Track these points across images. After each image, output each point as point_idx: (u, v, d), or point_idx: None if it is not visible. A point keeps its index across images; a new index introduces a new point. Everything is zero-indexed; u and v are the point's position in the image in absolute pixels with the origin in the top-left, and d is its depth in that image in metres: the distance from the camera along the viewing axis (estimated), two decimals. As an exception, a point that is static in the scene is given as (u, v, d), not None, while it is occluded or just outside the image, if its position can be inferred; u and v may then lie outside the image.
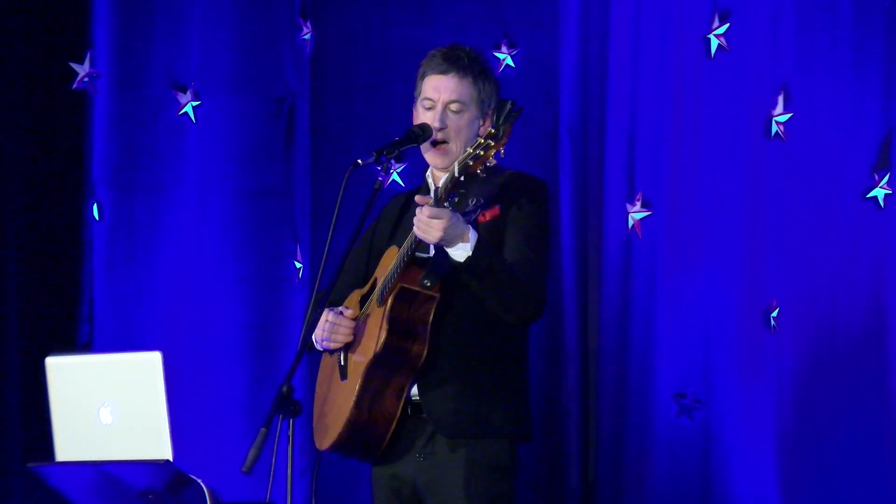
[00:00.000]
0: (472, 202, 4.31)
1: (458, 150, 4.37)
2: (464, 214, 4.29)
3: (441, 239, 4.14)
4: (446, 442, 4.29)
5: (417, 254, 4.26)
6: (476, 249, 4.16)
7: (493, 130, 4.10)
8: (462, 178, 4.10)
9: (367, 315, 4.33)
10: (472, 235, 4.17)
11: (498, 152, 4.08)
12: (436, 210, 4.13)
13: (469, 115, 4.41)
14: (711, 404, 6.01)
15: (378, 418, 4.24)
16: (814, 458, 5.73)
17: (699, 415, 6.05)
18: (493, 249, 4.24)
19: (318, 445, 4.43)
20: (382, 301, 4.23)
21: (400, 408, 4.24)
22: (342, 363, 4.38)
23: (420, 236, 4.16)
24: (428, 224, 4.13)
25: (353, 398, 4.22)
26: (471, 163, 4.10)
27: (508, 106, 4.12)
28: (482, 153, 4.09)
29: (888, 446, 5.60)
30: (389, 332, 4.19)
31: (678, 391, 6.09)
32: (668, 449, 6.09)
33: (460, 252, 4.17)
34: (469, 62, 4.44)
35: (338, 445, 4.30)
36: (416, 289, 4.21)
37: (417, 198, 4.21)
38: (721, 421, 5.97)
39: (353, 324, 4.35)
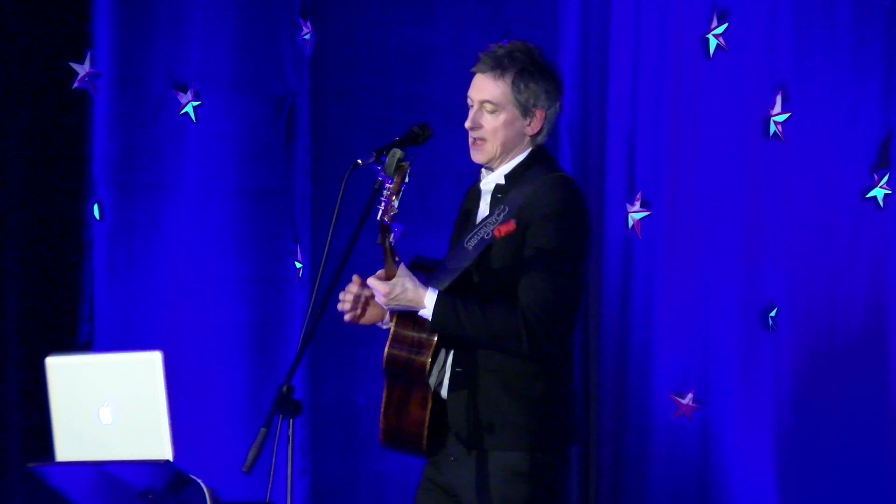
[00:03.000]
0: (497, 212, 4.28)
1: (496, 149, 4.33)
2: (484, 225, 4.26)
3: (387, 305, 4.19)
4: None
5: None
6: (434, 318, 4.16)
7: (388, 184, 4.11)
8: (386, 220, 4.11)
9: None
10: (430, 300, 4.15)
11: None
12: (374, 281, 4.16)
13: (506, 116, 4.32)
14: (710, 404, 6.02)
15: (407, 425, 4.26)
16: (812, 458, 5.74)
17: (698, 415, 6.05)
18: (461, 309, 4.16)
19: None
20: (391, 318, 4.28)
21: (427, 414, 4.23)
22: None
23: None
24: (375, 291, 4.17)
25: (382, 409, 4.26)
26: (382, 208, 4.09)
27: (399, 154, 4.14)
28: (386, 203, 4.09)
29: (887, 446, 5.60)
30: (390, 350, 4.22)
31: (677, 391, 6.09)
32: (666, 449, 6.10)
33: (426, 315, 4.19)
34: (511, 61, 4.33)
35: (385, 445, 4.35)
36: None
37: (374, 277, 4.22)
38: (719, 421, 5.98)
39: (353, 292, 4.34)
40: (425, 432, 4.24)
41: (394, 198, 4.11)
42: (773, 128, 5.91)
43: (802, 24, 5.83)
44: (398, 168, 4.15)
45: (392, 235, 4.15)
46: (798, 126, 5.86)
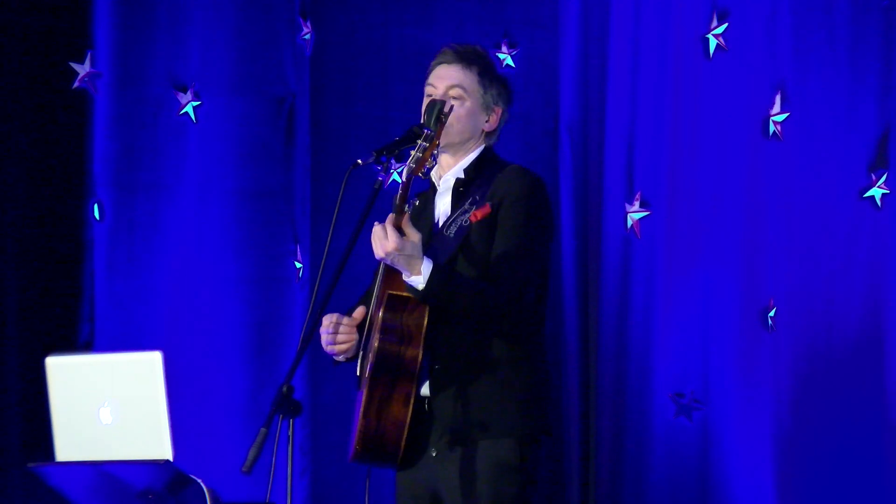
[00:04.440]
0: (469, 202, 4.32)
1: (454, 135, 4.38)
2: (461, 214, 4.30)
3: (384, 259, 4.16)
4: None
5: None
6: (429, 283, 4.15)
7: (427, 132, 4.13)
8: (411, 178, 4.12)
9: (373, 320, 4.34)
10: (426, 268, 4.15)
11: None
12: (390, 228, 4.12)
13: (469, 106, 4.41)
14: (709, 404, 6.02)
15: (388, 426, 4.23)
16: (810, 458, 5.74)
17: (697, 415, 6.05)
18: (453, 278, 4.20)
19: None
20: (377, 309, 4.25)
21: (409, 413, 4.22)
22: (357, 374, 4.39)
23: (372, 245, 4.19)
24: (380, 238, 4.13)
25: (361, 409, 4.24)
26: (413, 166, 4.10)
27: (439, 106, 4.16)
28: (421, 155, 4.10)
29: (885, 445, 5.60)
30: (381, 339, 4.19)
31: (677, 391, 6.10)
32: (666, 449, 6.10)
33: (415, 282, 4.18)
34: (476, 57, 4.45)
35: (357, 456, 4.31)
36: (406, 294, 4.21)
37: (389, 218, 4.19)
38: (719, 421, 5.98)
39: (350, 328, 4.36)
40: (405, 433, 4.23)
41: (432, 151, 4.11)
42: (772, 127, 5.92)
43: (801, 24, 5.84)
44: (438, 119, 4.16)
45: (408, 206, 4.15)
46: (797, 126, 5.86)
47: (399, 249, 4.12)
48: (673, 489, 6.09)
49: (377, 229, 4.15)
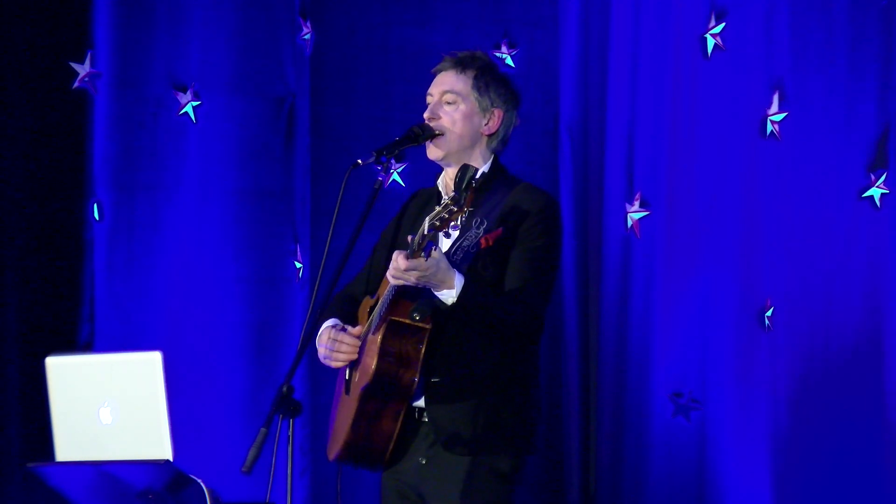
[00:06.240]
0: (475, 224, 4.29)
1: (454, 141, 4.38)
2: (464, 238, 4.28)
3: (416, 282, 4.13)
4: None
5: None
6: (461, 297, 4.16)
7: (455, 195, 4.00)
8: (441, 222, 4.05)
9: (367, 335, 4.34)
10: (458, 281, 4.15)
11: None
12: (411, 262, 4.08)
13: (465, 109, 4.40)
14: (708, 404, 6.02)
15: (376, 438, 4.28)
16: (807, 457, 5.74)
17: (695, 414, 6.05)
18: (482, 292, 4.21)
19: (327, 454, 4.46)
20: (376, 330, 4.25)
21: (398, 427, 4.27)
22: (347, 377, 4.40)
23: (393, 283, 4.15)
24: (403, 275, 4.10)
25: (351, 421, 4.26)
26: (437, 223, 4.01)
27: (471, 172, 4.03)
28: (447, 216, 4.00)
29: (883, 445, 5.60)
30: (380, 363, 4.19)
31: (675, 391, 6.10)
32: (665, 448, 6.10)
33: (445, 296, 4.17)
34: (472, 60, 4.45)
35: (341, 459, 4.36)
36: (407, 322, 4.20)
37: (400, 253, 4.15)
38: (717, 420, 5.98)
39: (356, 342, 4.36)
40: (391, 446, 4.27)
41: (460, 215, 4.01)
42: (769, 127, 5.92)
43: (799, 23, 5.84)
44: (469, 185, 4.03)
45: (424, 253, 4.10)
46: (795, 126, 5.87)
47: (426, 269, 4.08)
48: (671, 488, 6.10)
49: (395, 267, 4.09)
